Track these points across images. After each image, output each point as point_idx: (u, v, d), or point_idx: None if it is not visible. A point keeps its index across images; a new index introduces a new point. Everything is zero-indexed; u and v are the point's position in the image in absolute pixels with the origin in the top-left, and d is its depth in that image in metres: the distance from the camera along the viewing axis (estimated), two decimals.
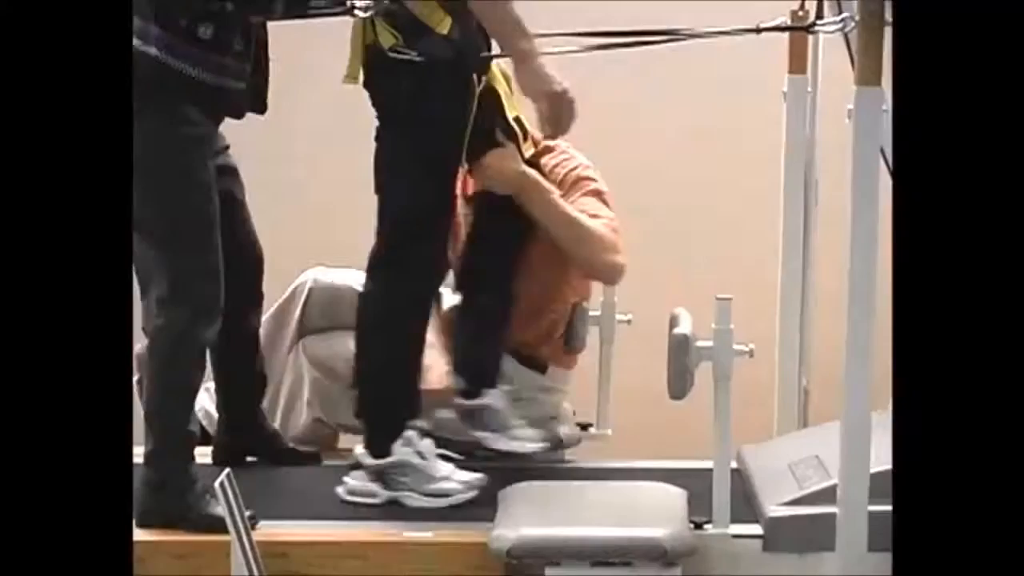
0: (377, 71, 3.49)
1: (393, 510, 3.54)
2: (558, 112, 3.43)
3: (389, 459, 3.55)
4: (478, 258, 3.83)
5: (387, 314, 3.58)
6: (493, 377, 3.76)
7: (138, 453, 3.38)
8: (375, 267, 3.58)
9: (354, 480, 3.56)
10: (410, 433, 3.58)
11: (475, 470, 3.63)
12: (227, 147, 3.64)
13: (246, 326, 3.81)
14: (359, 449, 3.61)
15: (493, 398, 3.73)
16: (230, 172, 3.65)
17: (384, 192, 3.54)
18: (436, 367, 3.86)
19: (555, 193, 3.77)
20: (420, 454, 3.58)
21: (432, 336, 3.87)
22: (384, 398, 3.61)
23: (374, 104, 3.51)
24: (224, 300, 3.58)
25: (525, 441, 3.74)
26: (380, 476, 3.54)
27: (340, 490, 3.57)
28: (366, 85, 3.51)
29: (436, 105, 3.50)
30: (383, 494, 3.53)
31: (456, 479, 3.59)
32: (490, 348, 3.82)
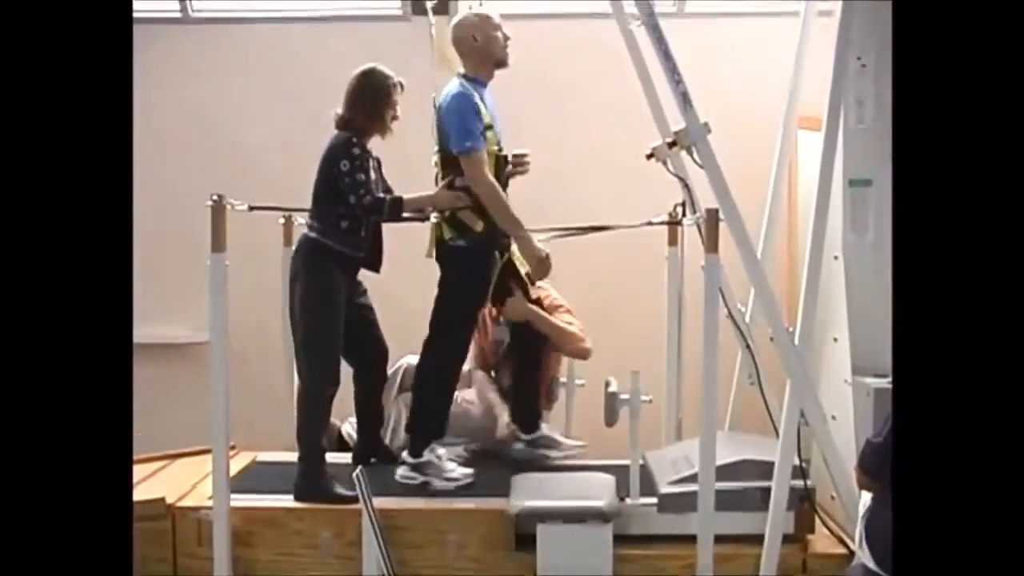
0: (441, 251, 3.66)
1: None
2: (540, 268, 3.64)
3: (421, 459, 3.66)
4: (520, 355, 3.98)
5: (433, 376, 3.67)
6: (538, 419, 3.94)
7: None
8: (426, 349, 3.67)
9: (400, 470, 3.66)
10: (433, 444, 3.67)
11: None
12: (365, 290, 3.79)
13: (376, 387, 3.92)
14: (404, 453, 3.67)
15: (544, 429, 3.91)
16: (367, 308, 3.81)
17: (437, 316, 3.64)
18: (500, 422, 4.01)
19: (546, 315, 3.92)
20: (438, 456, 3.67)
21: (497, 399, 4.06)
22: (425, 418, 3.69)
23: (440, 265, 3.65)
24: (364, 372, 3.79)
25: (569, 451, 3.88)
26: (417, 468, 3.66)
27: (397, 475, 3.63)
28: (437, 258, 3.66)
29: (471, 271, 3.65)
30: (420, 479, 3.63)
31: (458, 473, 3.65)
32: (535, 401, 3.93)
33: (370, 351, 3.83)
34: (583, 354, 4.00)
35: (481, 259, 3.67)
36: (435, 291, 3.68)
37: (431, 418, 3.71)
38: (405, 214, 3.61)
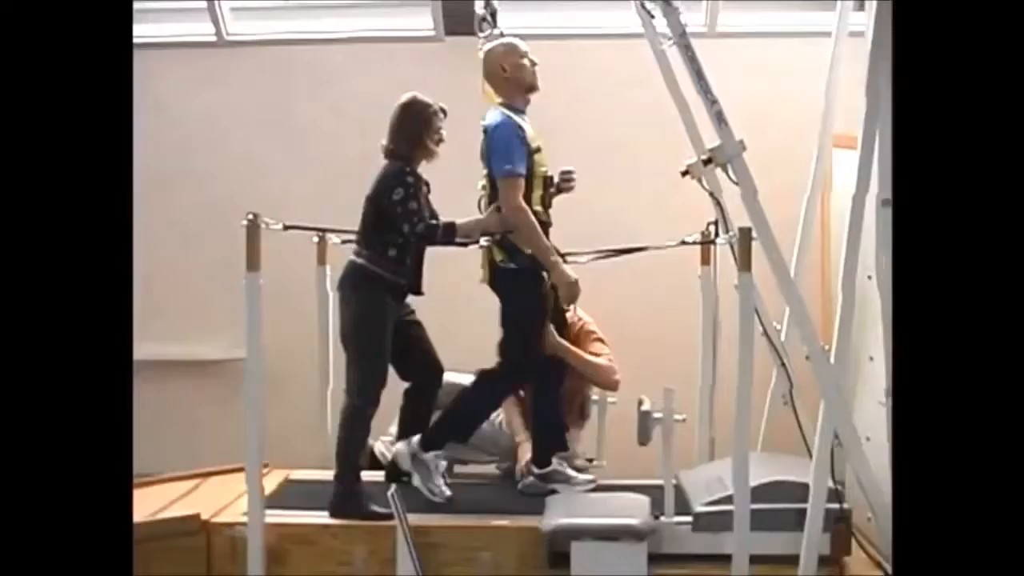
0: (495, 274, 3.69)
1: (483, 505, 3.65)
2: (569, 292, 3.64)
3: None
4: (536, 391, 3.93)
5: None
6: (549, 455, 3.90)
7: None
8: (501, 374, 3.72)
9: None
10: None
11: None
12: (413, 311, 3.78)
13: (430, 402, 3.86)
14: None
15: (554, 464, 3.85)
16: (416, 324, 3.80)
17: (509, 344, 3.68)
18: (522, 449, 4.01)
19: (575, 349, 3.92)
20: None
21: (520, 424, 4.08)
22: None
23: (495, 291, 3.69)
24: (420, 388, 3.77)
25: (579, 485, 3.82)
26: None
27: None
28: (490, 283, 3.70)
29: (527, 292, 3.66)
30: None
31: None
32: (547, 437, 3.89)
33: (427, 366, 3.83)
34: (612, 386, 4.04)
35: (533, 279, 3.67)
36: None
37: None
38: (457, 239, 3.63)
